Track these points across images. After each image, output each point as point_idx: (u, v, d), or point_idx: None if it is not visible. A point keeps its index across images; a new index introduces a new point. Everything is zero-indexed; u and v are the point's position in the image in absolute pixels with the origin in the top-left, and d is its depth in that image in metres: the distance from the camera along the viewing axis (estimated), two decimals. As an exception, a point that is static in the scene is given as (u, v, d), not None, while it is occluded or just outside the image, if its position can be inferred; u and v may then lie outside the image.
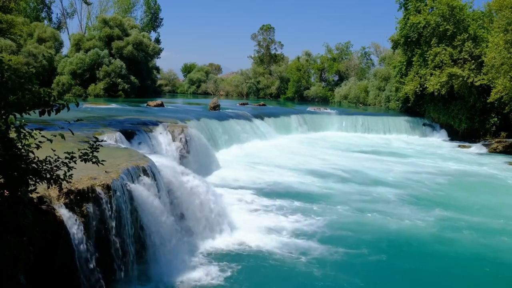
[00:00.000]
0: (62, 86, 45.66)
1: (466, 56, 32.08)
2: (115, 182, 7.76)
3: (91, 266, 6.88)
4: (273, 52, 77.76)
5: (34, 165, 5.02)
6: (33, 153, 5.11)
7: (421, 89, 34.23)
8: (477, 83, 30.63)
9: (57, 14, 77.15)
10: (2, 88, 4.66)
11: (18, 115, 4.93)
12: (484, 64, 29.95)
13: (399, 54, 40.86)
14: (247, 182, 16.52)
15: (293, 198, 14.52)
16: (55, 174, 5.26)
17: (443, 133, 35.31)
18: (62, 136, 5.18)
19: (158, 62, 61.87)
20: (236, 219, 11.56)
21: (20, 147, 4.96)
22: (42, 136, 5.18)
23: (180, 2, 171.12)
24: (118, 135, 14.23)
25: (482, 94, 31.95)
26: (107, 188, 7.51)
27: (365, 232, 11.70)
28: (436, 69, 32.93)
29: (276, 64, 75.62)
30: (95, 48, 48.31)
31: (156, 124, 17.61)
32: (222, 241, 10.37)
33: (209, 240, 10.32)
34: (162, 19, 73.92)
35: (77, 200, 6.89)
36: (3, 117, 4.78)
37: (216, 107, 30.52)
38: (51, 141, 5.16)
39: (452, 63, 32.37)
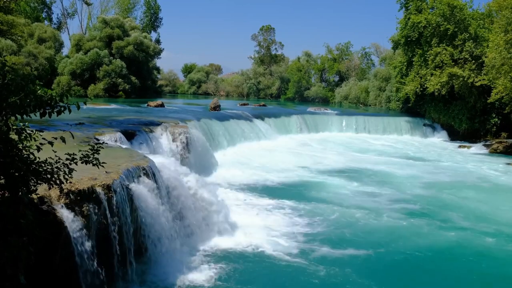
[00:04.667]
0: (64, 87, 45.70)
1: (466, 56, 32.09)
2: (115, 182, 7.77)
3: (91, 266, 6.89)
4: (273, 52, 77.85)
5: (34, 166, 5.04)
6: (33, 154, 5.12)
7: (421, 89, 34.25)
8: (478, 84, 30.66)
9: (57, 15, 77.02)
10: (3, 90, 4.68)
11: (19, 116, 4.95)
12: (484, 64, 29.97)
13: (399, 54, 40.90)
14: (248, 183, 16.54)
15: (294, 198, 14.51)
16: (55, 175, 5.28)
17: (444, 133, 35.33)
18: (63, 140, 5.20)
19: (158, 62, 61.89)
20: (236, 219, 11.56)
21: (21, 147, 4.98)
22: (43, 138, 5.20)
23: (180, 2, 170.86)
24: (119, 135, 14.24)
25: (483, 94, 31.98)
26: (108, 188, 7.53)
27: (365, 232, 11.71)
28: (436, 69, 32.94)
29: (276, 65, 75.65)
30: (94, 49, 48.29)
31: (156, 124, 17.62)
32: (222, 241, 10.37)
33: (209, 240, 10.32)
34: (162, 19, 74.02)
35: (78, 200, 6.90)
36: (4, 118, 4.80)
37: (216, 108, 30.53)
38: (52, 144, 5.18)
39: (453, 63, 32.38)
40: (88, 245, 6.83)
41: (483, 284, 9.35)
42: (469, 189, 17.43)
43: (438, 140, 34.27)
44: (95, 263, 6.96)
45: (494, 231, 12.29)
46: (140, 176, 8.90)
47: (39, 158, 5.17)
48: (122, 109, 28.50)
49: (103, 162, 5.87)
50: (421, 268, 9.87)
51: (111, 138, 13.58)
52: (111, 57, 49.33)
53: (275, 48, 77.95)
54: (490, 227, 12.56)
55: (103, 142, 7.86)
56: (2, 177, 4.85)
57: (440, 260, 10.22)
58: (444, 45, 32.86)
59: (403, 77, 37.32)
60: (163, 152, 15.61)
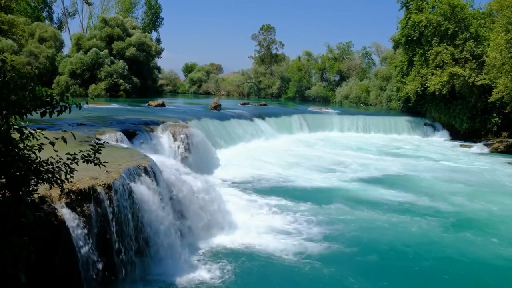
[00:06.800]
0: (62, 86, 45.74)
1: (467, 56, 32.08)
2: (116, 181, 7.76)
3: (92, 265, 6.89)
4: (274, 52, 77.88)
5: (35, 165, 5.04)
6: (35, 154, 5.12)
7: (422, 89, 34.25)
8: (478, 83, 30.66)
9: (58, 14, 77.23)
10: (3, 89, 4.67)
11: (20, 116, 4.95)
12: (485, 64, 29.95)
13: (400, 54, 40.90)
14: (248, 182, 16.52)
15: (295, 198, 14.48)
16: (56, 175, 5.27)
17: (445, 133, 35.33)
18: (65, 141, 5.20)
19: (159, 62, 61.88)
20: (237, 218, 11.55)
21: (22, 147, 4.97)
22: (45, 137, 5.20)
23: (180, 2, 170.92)
24: (119, 134, 14.24)
25: (484, 93, 31.96)
26: (108, 187, 7.52)
27: (365, 231, 11.66)
28: (437, 68, 32.92)
29: (277, 64, 75.67)
30: (93, 48, 48.26)
31: (157, 124, 17.63)
32: (223, 241, 10.37)
33: (210, 240, 10.32)
34: (162, 18, 73.93)
35: (78, 200, 6.90)
36: (4, 118, 4.79)
37: (217, 107, 30.52)
38: (53, 144, 5.17)
39: (453, 62, 32.37)
40: (88, 244, 6.83)
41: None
42: (469, 188, 17.39)
43: (439, 140, 34.26)
44: (96, 262, 6.95)
45: (493, 230, 12.21)
46: (141, 175, 8.89)
47: (40, 157, 5.16)
48: (122, 108, 28.48)
49: (104, 162, 5.87)
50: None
51: (112, 137, 13.57)
52: (111, 57, 49.36)
53: (276, 48, 78.08)
54: (490, 225, 12.49)
55: (104, 142, 7.84)
56: (2, 177, 4.84)
57: (443, 259, 10.16)
58: (445, 44, 32.84)
59: (404, 76, 37.32)
60: (164, 151, 15.61)
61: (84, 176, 7.35)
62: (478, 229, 12.28)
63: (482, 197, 15.94)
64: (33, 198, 5.80)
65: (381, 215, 13.13)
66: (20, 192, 4.93)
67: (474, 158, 26.15)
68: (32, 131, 5.03)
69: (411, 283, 9.15)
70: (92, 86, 47.39)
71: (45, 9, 65.83)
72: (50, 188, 5.58)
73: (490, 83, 29.39)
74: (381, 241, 11.05)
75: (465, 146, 30.62)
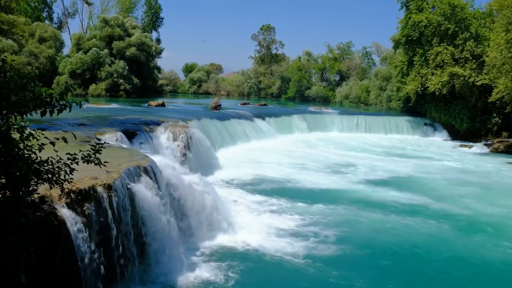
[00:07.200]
0: (62, 86, 45.75)
1: (467, 56, 32.08)
2: (116, 182, 7.76)
3: (92, 265, 6.88)
4: (274, 52, 77.86)
5: (35, 165, 5.03)
6: (35, 154, 5.12)
7: (422, 89, 34.24)
8: (479, 83, 30.66)
9: (58, 14, 77.27)
10: (3, 89, 4.67)
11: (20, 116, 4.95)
12: (485, 64, 29.95)
13: (400, 54, 40.89)
14: (248, 182, 16.51)
15: (295, 198, 14.48)
16: (56, 175, 5.27)
17: (445, 133, 35.35)
18: (65, 141, 5.19)
19: (159, 62, 61.86)
20: (237, 219, 11.55)
21: (22, 147, 4.97)
22: (45, 137, 5.19)
23: (180, 2, 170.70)
24: (120, 135, 14.23)
25: (484, 93, 31.96)
26: (108, 188, 7.52)
27: (375, 233, 11.61)
28: (437, 68, 32.92)
29: (277, 64, 75.67)
30: (93, 48, 48.24)
31: (157, 124, 17.63)
32: (223, 241, 10.36)
33: (210, 240, 10.32)
34: (163, 18, 73.91)
35: (78, 200, 6.89)
36: (5, 117, 4.79)
37: (217, 107, 30.52)
38: (53, 144, 5.17)
39: (454, 62, 32.36)
40: (88, 244, 6.83)
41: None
42: (470, 188, 17.41)
43: (439, 140, 34.25)
44: (95, 263, 6.95)
45: (494, 230, 12.23)
46: (141, 175, 8.88)
47: (40, 157, 5.16)
48: (123, 108, 28.49)
49: (104, 162, 5.87)
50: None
51: (112, 137, 13.57)
52: (111, 57, 49.37)
53: (276, 48, 78.09)
54: (490, 225, 12.49)
55: (105, 142, 7.84)
56: (2, 177, 4.84)
57: (445, 259, 10.15)
58: (445, 44, 32.84)
59: (404, 76, 37.32)
60: (164, 151, 15.60)
61: (84, 176, 7.34)
62: (488, 231, 12.24)
63: (491, 199, 15.87)
64: (33, 198, 5.80)
65: (391, 217, 13.05)
66: (20, 192, 4.93)
67: (477, 158, 26.14)
68: (32, 131, 5.03)
69: (421, 286, 9.11)
70: (92, 86, 47.41)
71: (45, 9, 65.79)
72: (50, 188, 5.58)
73: (490, 83, 29.40)
74: (392, 243, 11.00)
75: (465, 146, 30.60)
